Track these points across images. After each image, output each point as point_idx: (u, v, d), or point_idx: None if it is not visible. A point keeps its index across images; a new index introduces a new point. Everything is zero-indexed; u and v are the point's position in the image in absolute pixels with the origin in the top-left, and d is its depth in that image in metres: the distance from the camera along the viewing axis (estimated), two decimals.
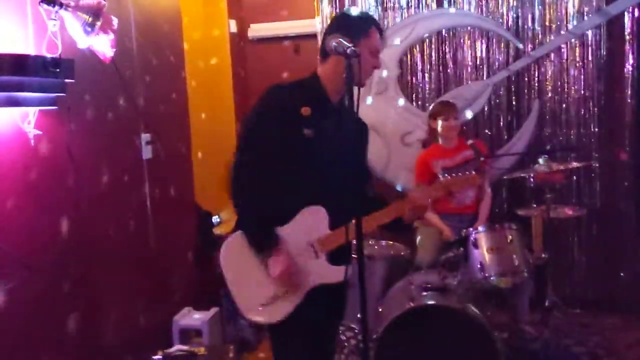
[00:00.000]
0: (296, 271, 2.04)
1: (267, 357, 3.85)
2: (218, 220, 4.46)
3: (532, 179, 4.22)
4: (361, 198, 2.22)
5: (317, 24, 4.62)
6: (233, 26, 4.68)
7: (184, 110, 3.82)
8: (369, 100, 4.59)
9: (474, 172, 2.15)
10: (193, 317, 3.51)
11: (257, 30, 4.82)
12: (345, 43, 1.70)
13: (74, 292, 2.57)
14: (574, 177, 4.30)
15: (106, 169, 2.88)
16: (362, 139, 2.30)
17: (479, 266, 3.08)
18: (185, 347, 2.98)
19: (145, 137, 3.29)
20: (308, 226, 2.09)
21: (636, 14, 4.15)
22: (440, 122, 3.79)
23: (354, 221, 1.76)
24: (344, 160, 2.12)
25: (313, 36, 4.63)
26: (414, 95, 4.59)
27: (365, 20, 2.19)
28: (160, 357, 2.83)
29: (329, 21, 4.51)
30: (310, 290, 2.08)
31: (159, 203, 3.36)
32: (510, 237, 3.13)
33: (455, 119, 3.80)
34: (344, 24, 2.14)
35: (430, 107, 4.02)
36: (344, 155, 2.13)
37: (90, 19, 2.19)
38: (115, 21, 2.32)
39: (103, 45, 2.30)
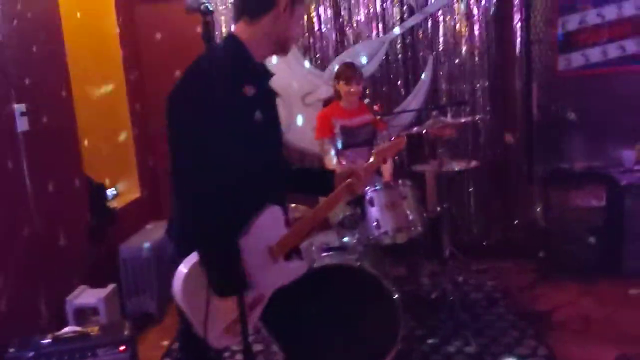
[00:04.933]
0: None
1: (172, 328, 3.77)
2: (113, 192, 4.27)
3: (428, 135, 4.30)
4: (296, 175, 2.16)
5: None
6: None
7: (63, 77, 3.55)
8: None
9: (400, 136, 2.19)
10: (88, 296, 3.35)
11: None
12: None
13: None
14: (469, 130, 4.44)
15: None
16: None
17: (375, 223, 3.11)
18: (77, 328, 2.83)
19: (19, 107, 3.04)
20: (266, 231, 1.87)
21: None
22: (342, 85, 3.78)
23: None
24: (280, 137, 2.04)
25: None
26: (312, 55, 4.53)
27: None
28: (50, 340, 2.67)
29: None
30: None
31: (41, 179, 3.14)
32: (405, 193, 3.17)
33: (357, 84, 3.78)
34: None
35: (336, 69, 3.95)
36: (279, 130, 2.04)
37: None
38: None
39: None
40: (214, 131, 1.63)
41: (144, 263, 3.88)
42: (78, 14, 4.07)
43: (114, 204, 4.09)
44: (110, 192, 4.19)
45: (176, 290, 1.76)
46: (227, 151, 1.63)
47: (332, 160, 3.76)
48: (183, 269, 1.77)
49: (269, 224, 1.90)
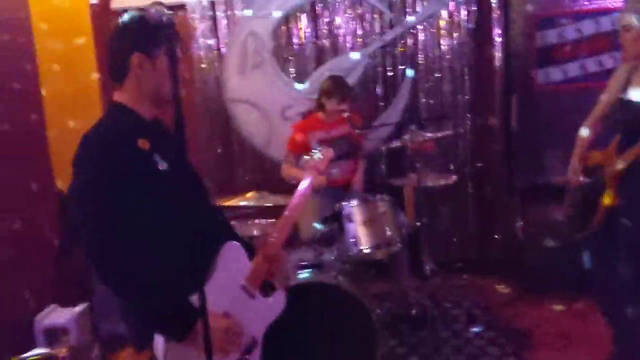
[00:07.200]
0: (238, 325, 1.81)
1: (146, 351, 3.67)
2: None
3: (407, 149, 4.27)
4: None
5: None
6: None
7: (33, 83, 3.47)
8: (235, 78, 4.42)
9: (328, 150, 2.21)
10: (58, 315, 3.25)
11: (121, 1, 4.49)
12: None
13: None
14: (448, 144, 4.41)
15: None
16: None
17: (353, 240, 3.05)
18: (44, 350, 2.75)
19: None
20: (232, 270, 1.85)
21: None
22: (333, 103, 3.66)
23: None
24: (200, 184, 2.05)
25: (182, 7, 4.38)
26: (291, 68, 4.49)
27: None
28: None
29: None
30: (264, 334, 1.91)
31: (7, 194, 3.04)
32: (383, 208, 3.12)
33: (349, 102, 3.67)
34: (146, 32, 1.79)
35: (324, 83, 3.77)
36: (195, 177, 2.03)
37: None
38: None
39: None
40: (121, 187, 1.67)
41: None
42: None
43: None
44: None
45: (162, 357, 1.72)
46: (138, 206, 1.66)
47: (287, 170, 3.71)
48: (159, 338, 1.74)
49: (232, 263, 1.88)
